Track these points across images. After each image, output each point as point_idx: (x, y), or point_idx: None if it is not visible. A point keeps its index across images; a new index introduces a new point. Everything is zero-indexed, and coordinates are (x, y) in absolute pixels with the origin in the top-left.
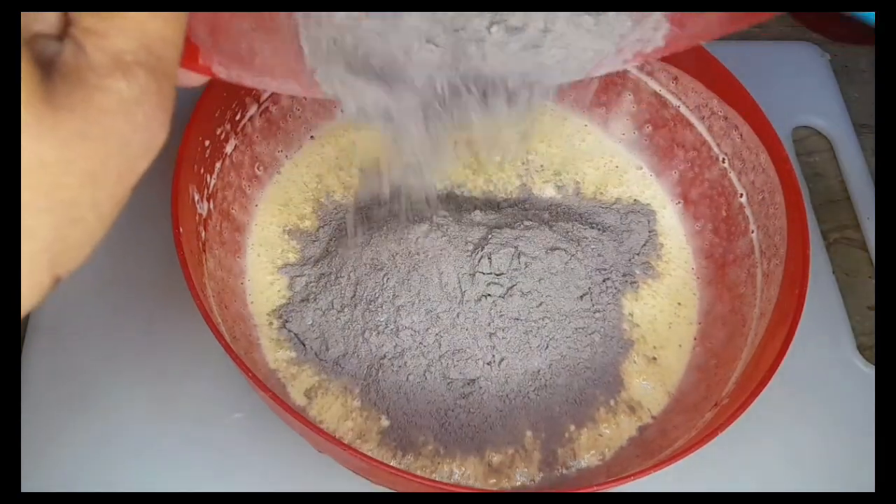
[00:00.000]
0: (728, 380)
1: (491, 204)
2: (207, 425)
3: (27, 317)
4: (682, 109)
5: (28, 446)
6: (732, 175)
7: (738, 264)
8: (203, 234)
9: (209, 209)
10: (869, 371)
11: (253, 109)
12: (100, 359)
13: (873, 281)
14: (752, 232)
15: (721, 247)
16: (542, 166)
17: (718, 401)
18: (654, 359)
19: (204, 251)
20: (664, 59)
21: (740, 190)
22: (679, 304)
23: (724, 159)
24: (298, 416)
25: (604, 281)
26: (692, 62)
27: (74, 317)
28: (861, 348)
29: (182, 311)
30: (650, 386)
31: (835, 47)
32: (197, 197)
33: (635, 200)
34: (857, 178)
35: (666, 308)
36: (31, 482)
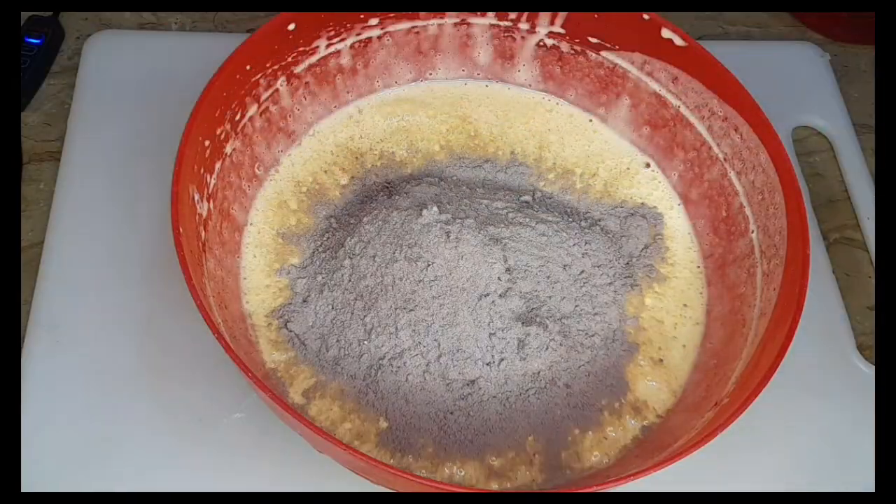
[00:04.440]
0: (728, 379)
1: (495, 203)
2: (207, 425)
3: (27, 316)
4: (682, 109)
5: (28, 446)
6: (732, 175)
7: (737, 264)
8: (203, 234)
9: (209, 209)
10: (869, 371)
11: (253, 109)
12: (100, 359)
13: (873, 281)
14: (752, 232)
15: (721, 247)
16: (553, 164)
17: (719, 401)
18: (661, 360)
19: (204, 251)
20: (664, 59)
21: (740, 190)
22: (685, 305)
23: (724, 159)
24: (298, 416)
25: (605, 284)
26: (692, 62)
27: (74, 317)
28: (861, 348)
29: (182, 311)
30: (656, 386)
31: (835, 47)
32: (197, 197)
33: (642, 203)
34: (857, 178)
35: (672, 310)
36: (31, 482)
